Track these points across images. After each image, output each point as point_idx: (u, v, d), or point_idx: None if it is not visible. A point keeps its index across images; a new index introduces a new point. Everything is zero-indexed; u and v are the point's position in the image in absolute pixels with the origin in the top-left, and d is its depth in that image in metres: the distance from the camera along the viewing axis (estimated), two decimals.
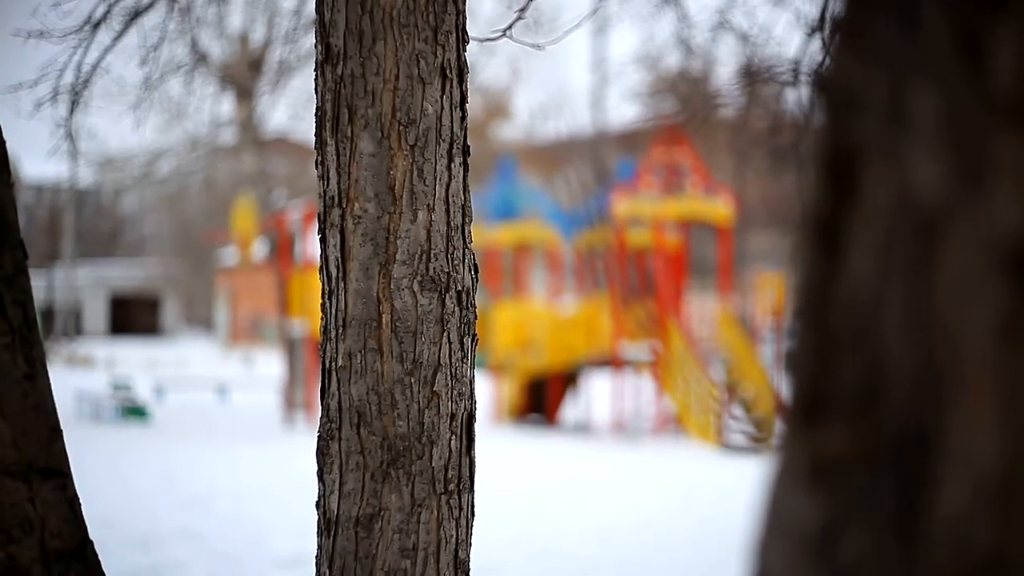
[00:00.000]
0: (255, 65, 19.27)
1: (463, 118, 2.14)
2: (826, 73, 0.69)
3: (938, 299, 0.65)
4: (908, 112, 0.66)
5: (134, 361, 26.01)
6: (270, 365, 24.88)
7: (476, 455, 2.13)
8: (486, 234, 15.29)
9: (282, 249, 17.22)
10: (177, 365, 25.77)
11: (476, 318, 2.15)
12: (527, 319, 14.97)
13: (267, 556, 6.47)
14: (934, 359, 0.65)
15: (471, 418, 2.11)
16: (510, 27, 2.79)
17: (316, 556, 2.12)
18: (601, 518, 7.78)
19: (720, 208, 14.28)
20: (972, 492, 0.65)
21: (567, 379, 14.92)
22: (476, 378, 2.16)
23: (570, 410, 15.11)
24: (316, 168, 2.19)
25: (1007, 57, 0.62)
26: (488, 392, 14.78)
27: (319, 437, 2.12)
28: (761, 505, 0.78)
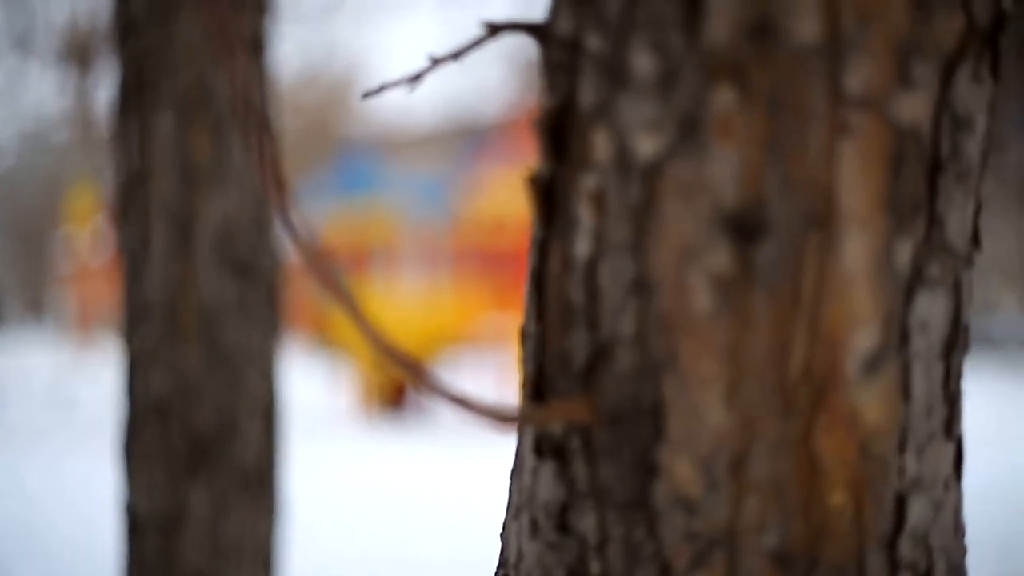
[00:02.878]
0: (92, 43, 18.67)
1: (267, 94, 2.06)
2: (546, 28, 0.65)
3: (658, 263, 0.62)
4: (626, 70, 0.62)
5: None
6: (115, 355, 24.20)
7: (284, 447, 2.06)
8: (330, 219, 15.09)
9: None
10: (14, 360, 24.88)
11: (282, 303, 2.08)
12: (380, 303, 14.79)
13: (103, 556, 6.28)
14: (655, 329, 0.62)
15: (277, 409, 2.04)
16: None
17: (123, 558, 2.02)
18: (456, 513, 7.75)
19: None
20: (697, 469, 0.62)
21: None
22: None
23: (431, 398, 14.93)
24: (115, 147, 2.09)
25: (721, 17, 0.60)
26: (344, 382, 14.45)
27: (121, 433, 2.02)
28: (508, 487, 0.74)
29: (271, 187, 0.61)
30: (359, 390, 14.22)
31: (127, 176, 2.02)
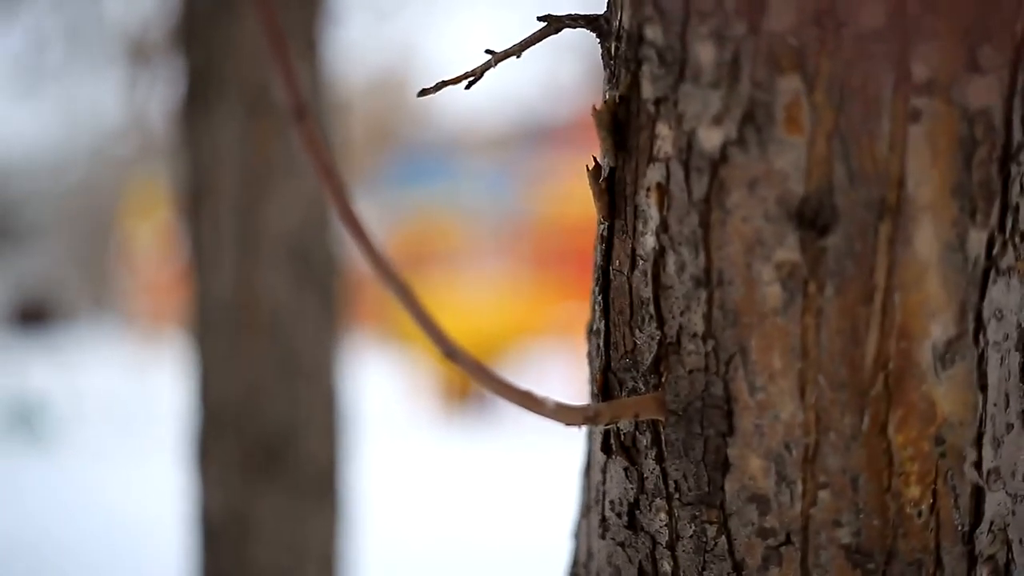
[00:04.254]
0: (152, 46, 18.84)
1: (328, 91, 2.07)
2: (605, 20, 0.65)
3: (726, 256, 0.61)
4: (688, 61, 0.62)
5: (31, 360, 25.18)
6: (180, 354, 24.27)
7: (353, 447, 2.06)
8: (396, 215, 15.12)
9: None
10: (80, 359, 25.08)
11: (349, 300, 2.09)
12: (448, 297, 14.74)
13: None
14: (724, 323, 0.61)
15: (344, 410, 2.04)
16: None
17: (191, 560, 2.04)
18: (531, 510, 7.68)
19: None
20: (768, 464, 0.61)
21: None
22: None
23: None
24: (180, 148, 2.11)
25: (784, 5, 0.59)
26: (416, 378, 14.36)
27: (191, 437, 2.03)
28: (577, 486, 0.74)
29: (327, 187, 0.61)
30: (433, 385, 14.16)
31: (194, 177, 2.03)
